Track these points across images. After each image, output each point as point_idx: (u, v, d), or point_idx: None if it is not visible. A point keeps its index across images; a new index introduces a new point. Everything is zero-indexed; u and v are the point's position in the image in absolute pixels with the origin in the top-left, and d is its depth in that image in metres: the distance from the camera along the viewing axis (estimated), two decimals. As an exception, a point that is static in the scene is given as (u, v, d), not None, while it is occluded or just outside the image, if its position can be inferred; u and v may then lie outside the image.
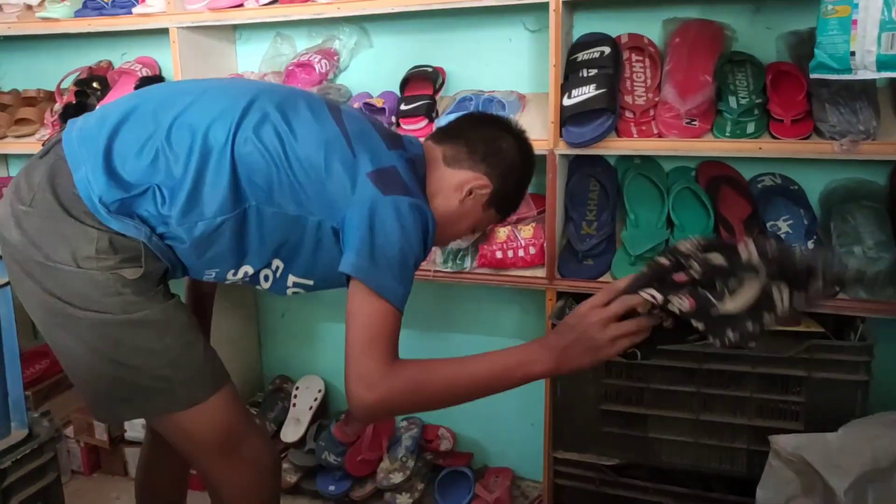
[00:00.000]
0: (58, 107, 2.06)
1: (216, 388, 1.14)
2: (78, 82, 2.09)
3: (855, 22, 1.08)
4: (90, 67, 2.18)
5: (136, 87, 2.01)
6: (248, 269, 1.15)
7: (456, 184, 1.20)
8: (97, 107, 1.99)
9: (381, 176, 1.09)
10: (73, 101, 2.04)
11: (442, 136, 1.27)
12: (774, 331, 1.47)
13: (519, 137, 1.28)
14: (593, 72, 1.59)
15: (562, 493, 1.64)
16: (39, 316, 1.11)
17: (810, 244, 1.53)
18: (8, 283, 1.14)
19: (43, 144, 1.18)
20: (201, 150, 1.06)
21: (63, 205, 1.05)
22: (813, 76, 1.16)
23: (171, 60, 1.90)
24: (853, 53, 1.09)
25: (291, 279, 1.18)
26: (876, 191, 1.61)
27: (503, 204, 1.28)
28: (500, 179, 1.23)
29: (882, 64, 1.08)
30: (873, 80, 1.44)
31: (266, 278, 1.18)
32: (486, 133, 1.25)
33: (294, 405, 2.14)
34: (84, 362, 1.10)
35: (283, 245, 1.13)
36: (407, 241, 1.05)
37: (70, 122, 1.13)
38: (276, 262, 1.15)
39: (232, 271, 1.15)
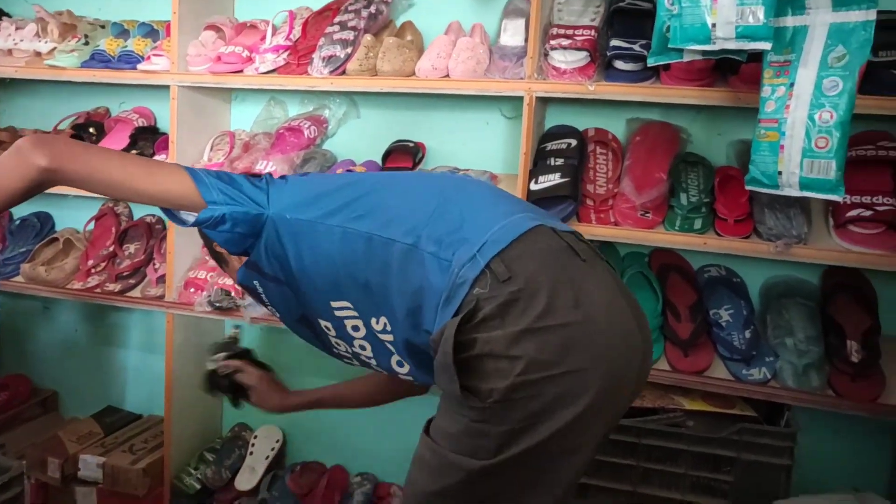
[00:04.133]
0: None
1: None
2: (75, 126, 2.19)
3: (782, 147, 1.23)
4: (88, 112, 2.28)
5: (131, 136, 2.12)
6: None
7: None
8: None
9: None
10: (68, 143, 2.13)
11: None
12: (711, 412, 1.60)
13: None
14: (560, 161, 1.73)
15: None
16: None
17: (747, 333, 1.66)
18: None
19: None
20: None
21: None
22: (747, 188, 1.31)
23: (167, 112, 2.01)
24: (780, 173, 1.25)
25: None
26: (810, 290, 1.76)
27: None
28: None
29: (804, 185, 1.23)
30: (806, 191, 1.61)
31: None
32: None
33: (251, 453, 2.17)
34: None
35: None
36: None
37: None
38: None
39: None
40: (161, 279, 2.09)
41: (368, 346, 1.11)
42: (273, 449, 2.19)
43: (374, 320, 1.07)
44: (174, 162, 1.97)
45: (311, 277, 1.07)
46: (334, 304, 1.08)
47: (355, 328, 1.10)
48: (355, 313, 1.08)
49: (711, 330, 1.70)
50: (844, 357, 1.57)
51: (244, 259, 1.15)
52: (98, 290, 2.12)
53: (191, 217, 1.09)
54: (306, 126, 2.02)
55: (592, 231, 1.69)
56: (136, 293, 2.12)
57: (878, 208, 1.52)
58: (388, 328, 1.06)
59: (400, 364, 1.11)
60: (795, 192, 1.23)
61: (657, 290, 1.76)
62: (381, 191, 1.10)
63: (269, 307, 1.18)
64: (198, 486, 2.09)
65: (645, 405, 1.62)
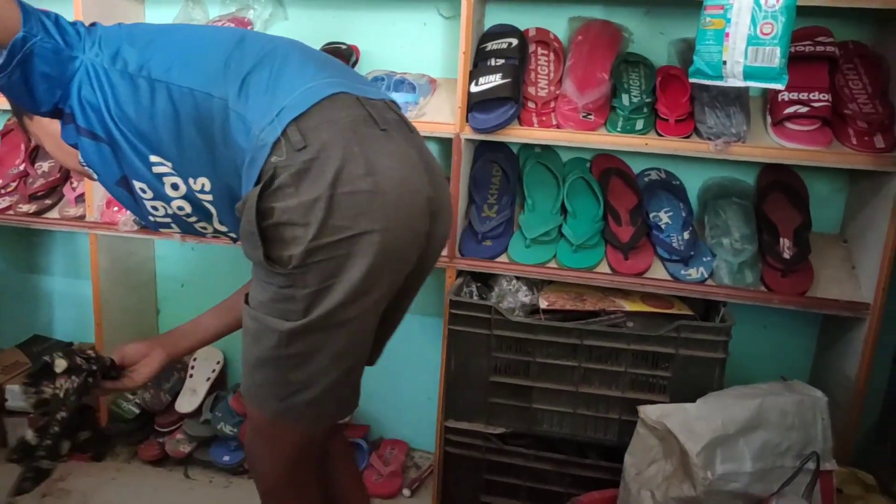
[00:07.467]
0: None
1: None
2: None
3: (727, 35, 1.20)
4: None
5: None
6: None
7: None
8: None
9: None
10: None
11: None
12: (650, 313, 1.63)
13: None
14: (500, 62, 1.66)
15: (451, 461, 1.72)
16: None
17: (686, 234, 1.68)
18: None
19: None
20: None
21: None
22: (691, 80, 1.28)
23: (71, 16, 1.82)
24: (725, 62, 1.22)
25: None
26: (745, 189, 1.78)
27: None
28: None
29: (748, 74, 1.21)
30: (747, 89, 1.60)
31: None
32: None
33: (191, 376, 2.12)
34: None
35: None
36: None
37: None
38: None
39: None
40: (80, 198, 1.95)
41: (188, 206, 1.12)
42: (214, 371, 2.15)
43: (192, 180, 1.07)
44: None
45: (132, 132, 1.05)
46: (153, 158, 1.07)
47: (174, 186, 1.09)
48: (173, 171, 1.08)
49: (651, 232, 1.71)
50: (777, 253, 1.61)
51: (55, 122, 1.09)
52: (11, 212, 1.97)
53: None
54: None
55: (534, 135, 1.65)
56: (54, 214, 1.98)
57: (815, 104, 1.52)
58: (207, 188, 1.07)
59: (222, 223, 1.14)
60: (739, 82, 1.21)
61: (598, 194, 1.75)
62: (205, 40, 1.08)
63: (87, 168, 1.13)
64: (136, 411, 2.04)
65: (587, 308, 1.64)
